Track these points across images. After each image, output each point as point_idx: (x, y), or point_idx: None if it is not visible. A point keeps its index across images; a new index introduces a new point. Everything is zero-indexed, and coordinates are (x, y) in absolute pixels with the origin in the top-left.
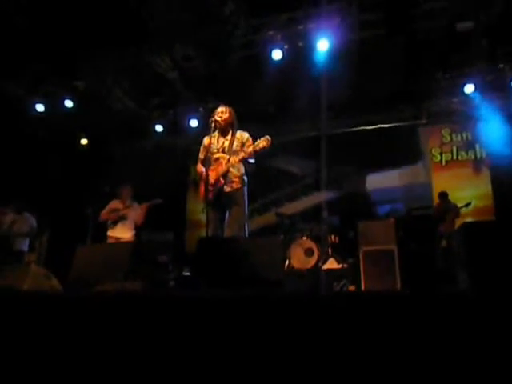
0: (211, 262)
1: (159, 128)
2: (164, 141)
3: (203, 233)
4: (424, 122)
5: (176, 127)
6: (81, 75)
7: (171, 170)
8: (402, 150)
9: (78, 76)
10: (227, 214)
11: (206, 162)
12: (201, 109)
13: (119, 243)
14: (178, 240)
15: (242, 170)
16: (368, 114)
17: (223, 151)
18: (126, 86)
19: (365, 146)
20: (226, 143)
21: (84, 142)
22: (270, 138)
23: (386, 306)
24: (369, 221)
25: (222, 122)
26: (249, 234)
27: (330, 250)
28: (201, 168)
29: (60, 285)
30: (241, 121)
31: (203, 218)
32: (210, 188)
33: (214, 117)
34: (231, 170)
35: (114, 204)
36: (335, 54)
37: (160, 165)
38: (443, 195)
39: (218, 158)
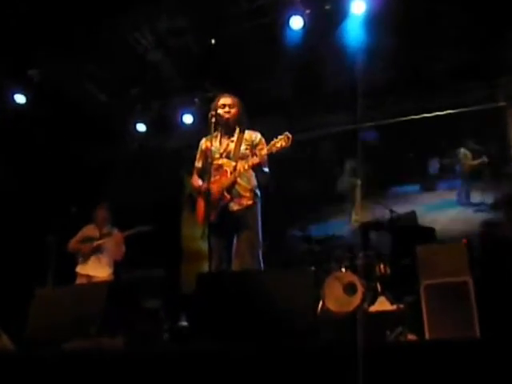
0: (216, 306)
1: (141, 127)
2: (148, 144)
3: (204, 267)
4: (503, 103)
5: (164, 126)
6: (36, 62)
7: (159, 184)
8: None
9: (31, 63)
10: (235, 241)
11: (206, 172)
12: (196, 100)
13: (92, 284)
14: (170, 278)
15: (254, 180)
16: (421, 98)
17: (228, 156)
18: (96, 73)
19: (420, 140)
20: (232, 146)
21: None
22: (290, 136)
23: (461, 361)
24: (431, 244)
25: (225, 118)
26: (266, 266)
27: (378, 286)
28: (198, 180)
29: (12, 343)
30: (251, 115)
31: (204, 246)
32: (212, 206)
33: (214, 111)
34: (239, 181)
35: (87, 231)
36: (374, 20)
37: (144, 177)
38: None
39: (221, 166)
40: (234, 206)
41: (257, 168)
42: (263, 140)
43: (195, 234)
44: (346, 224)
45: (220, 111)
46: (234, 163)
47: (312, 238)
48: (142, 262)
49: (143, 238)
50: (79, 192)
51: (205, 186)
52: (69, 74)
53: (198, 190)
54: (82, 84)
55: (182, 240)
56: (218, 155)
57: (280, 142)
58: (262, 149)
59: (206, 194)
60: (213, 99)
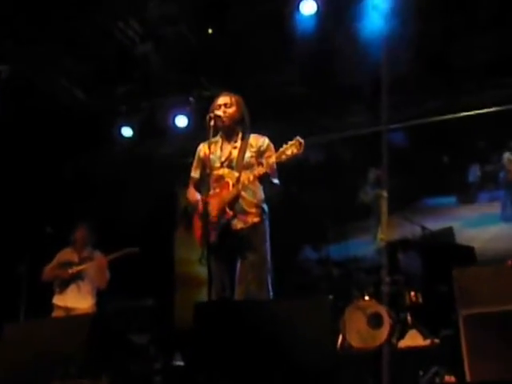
0: (217, 342)
1: (127, 131)
2: (136, 152)
3: (203, 295)
4: None
5: (154, 130)
6: (3, 56)
7: (149, 198)
8: None
9: None
10: (239, 264)
11: (204, 184)
12: (192, 99)
13: (72, 317)
14: (163, 308)
15: (261, 193)
16: (458, 94)
17: (230, 165)
18: (74, 69)
19: (457, 143)
20: (234, 153)
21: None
22: (302, 141)
23: None
24: (471, 266)
25: (226, 120)
26: (275, 295)
27: (409, 317)
28: (195, 193)
29: None
30: (256, 117)
31: (202, 271)
32: (212, 224)
33: (213, 112)
34: (243, 194)
35: (65, 255)
36: (400, 2)
37: (131, 190)
38: None
39: (221, 177)
40: (238, 224)
41: (264, 179)
42: (271, 146)
43: (192, 257)
44: (369, 243)
45: (219, 112)
46: (237, 174)
47: (330, 260)
48: (130, 290)
49: (131, 262)
50: (54, 209)
51: (203, 200)
52: (42, 69)
53: (195, 205)
54: (58, 82)
55: (177, 264)
56: (218, 164)
57: (291, 148)
58: (270, 156)
59: (205, 209)
60: (211, 98)
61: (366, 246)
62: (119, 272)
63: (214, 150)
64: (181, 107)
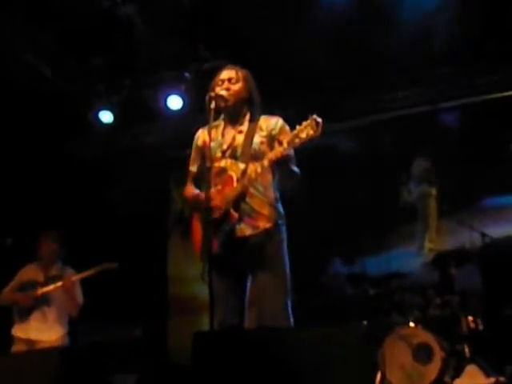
0: (222, 380)
1: (107, 117)
2: (118, 142)
3: (203, 322)
4: None
5: (140, 113)
6: None
7: (134, 200)
8: None
9: None
10: (250, 283)
11: (203, 179)
12: (187, 75)
13: (35, 352)
14: (152, 339)
15: (274, 190)
16: None
17: (233, 155)
18: (39, 37)
19: None
20: (239, 138)
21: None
22: (319, 120)
23: None
24: None
25: (230, 99)
26: (296, 321)
27: (466, 348)
28: (194, 189)
29: None
30: (269, 96)
31: (202, 292)
32: (214, 230)
33: (214, 90)
34: (252, 191)
35: (28, 272)
36: None
37: (112, 190)
38: None
39: (223, 170)
40: (246, 230)
41: (279, 168)
42: (287, 128)
43: (189, 273)
44: (415, 255)
45: (221, 90)
46: (242, 165)
47: (365, 277)
48: (111, 316)
49: (111, 281)
50: (16, 215)
51: (203, 199)
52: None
53: (195, 205)
54: (18, 54)
55: (170, 282)
56: (219, 154)
57: (306, 130)
58: (284, 141)
59: (206, 211)
60: (212, 73)
61: (411, 258)
62: (97, 294)
63: (215, 137)
64: (174, 85)
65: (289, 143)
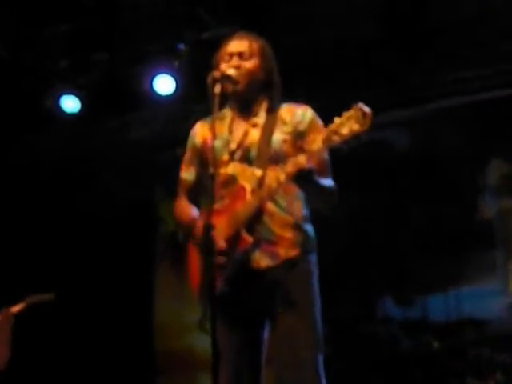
0: None
1: (71, 103)
2: (87, 137)
3: None
4: None
5: (117, 101)
6: None
7: (107, 216)
8: None
9: None
10: (267, 332)
11: (203, 190)
12: (181, 47)
13: None
14: None
15: (302, 206)
16: None
17: (246, 157)
18: None
19: None
20: (255, 135)
21: None
22: (367, 110)
23: None
24: None
25: (241, 81)
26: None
27: None
28: (188, 207)
29: None
30: (294, 76)
31: (201, 345)
32: (219, 262)
33: (218, 68)
34: (271, 207)
35: None
36: None
37: (78, 200)
38: None
39: (232, 178)
40: (263, 261)
41: (306, 179)
42: (319, 121)
43: (182, 320)
44: (495, 294)
45: (228, 68)
46: (259, 171)
47: (426, 323)
48: (67, 375)
49: (72, 330)
50: None
51: (203, 220)
52: None
53: (189, 229)
54: None
55: (157, 331)
56: (226, 155)
57: (348, 123)
58: (315, 139)
59: (206, 236)
60: (215, 43)
61: (490, 298)
62: (37, 339)
63: (220, 132)
64: (163, 61)
65: (325, 140)
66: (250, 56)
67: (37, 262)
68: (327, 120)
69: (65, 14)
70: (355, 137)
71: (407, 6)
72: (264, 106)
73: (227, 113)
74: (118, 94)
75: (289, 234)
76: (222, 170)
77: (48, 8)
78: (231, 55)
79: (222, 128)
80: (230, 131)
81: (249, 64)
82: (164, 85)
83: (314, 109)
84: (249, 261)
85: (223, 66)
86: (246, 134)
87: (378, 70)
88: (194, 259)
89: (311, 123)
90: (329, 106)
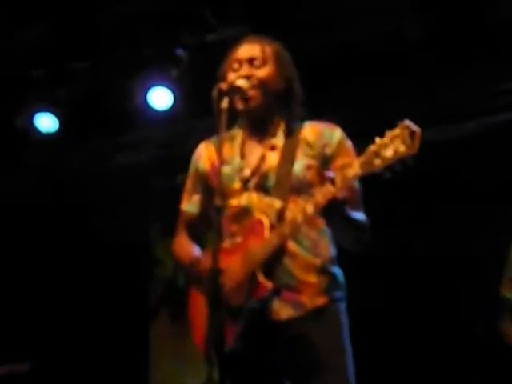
0: None
1: (47, 121)
2: (64, 161)
3: None
4: None
5: (101, 117)
6: None
7: (92, 259)
8: None
9: None
10: None
11: (208, 226)
12: (180, 52)
13: None
14: None
15: (329, 242)
16: None
17: (262, 185)
18: None
19: None
20: (273, 159)
21: None
22: (416, 129)
23: None
24: None
25: (253, 94)
26: None
27: None
28: (190, 247)
29: None
30: (318, 86)
31: None
32: (229, 312)
33: (226, 78)
34: (294, 245)
35: None
36: None
37: (56, 240)
38: None
39: (246, 211)
40: (284, 311)
41: (339, 212)
42: (349, 144)
43: (184, 382)
44: None
45: (236, 79)
46: (278, 202)
47: None
48: None
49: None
50: None
51: (208, 260)
52: None
53: (191, 271)
54: None
55: None
56: (238, 184)
57: (392, 145)
58: (347, 165)
59: (213, 281)
60: (221, 49)
61: None
62: None
63: (229, 156)
64: (159, 71)
65: (363, 167)
66: (264, 63)
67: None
68: (362, 142)
69: (38, 12)
70: (401, 161)
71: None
72: (283, 124)
73: (237, 132)
74: (103, 111)
75: (314, 279)
76: (233, 201)
77: (18, 6)
78: (240, 62)
79: (232, 151)
80: (242, 155)
81: (262, 72)
82: (160, 98)
83: (344, 128)
84: (267, 311)
85: (231, 76)
86: (262, 158)
87: (417, 78)
88: (199, 309)
89: (340, 146)
90: (364, 123)
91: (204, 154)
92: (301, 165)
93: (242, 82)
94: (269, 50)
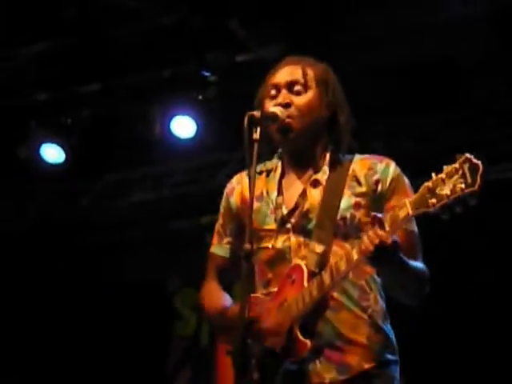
0: None
1: (52, 152)
2: (73, 197)
3: None
4: None
5: (116, 148)
6: None
7: (104, 310)
8: None
9: None
10: None
11: (239, 272)
12: (208, 75)
13: None
14: None
15: (380, 295)
16: None
17: (303, 227)
18: None
19: None
20: (315, 196)
21: None
22: (478, 163)
23: None
24: None
25: (292, 124)
26: None
27: None
28: (218, 297)
29: None
30: (371, 113)
31: None
32: (263, 372)
33: (261, 105)
34: (339, 296)
35: None
36: None
37: (62, 286)
38: None
39: (283, 255)
40: (327, 373)
41: (390, 259)
42: (405, 180)
43: None
44: None
45: (273, 107)
46: (320, 247)
47: None
48: None
49: None
50: None
51: (238, 313)
52: None
53: (221, 326)
54: None
55: None
56: (273, 223)
57: (452, 180)
58: (401, 205)
59: (243, 336)
60: (255, 71)
61: None
62: None
63: (265, 191)
64: (182, 97)
65: (415, 207)
66: (306, 88)
67: None
68: (417, 177)
69: (42, 30)
70: (460, 200)
71: None
72: (327, 157)
73: (276, 164)
74: (116, 141)
75: (362, 338)
76: (268, 244)
77: (20, 23)
78: (278, 88)
79: (268, 185)
80: (280, 190)
81: (303, 99)
82: (183, 127)
83: (399, 162)
84: (306, 374)
85: (268, 104)
86: (303, 194)
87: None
88: (225, 372)
89: (395, 182)
90: (420, 155)
91: (237, 189)
92: (348, 203)
93: (277, 110)
94: (311, 72)
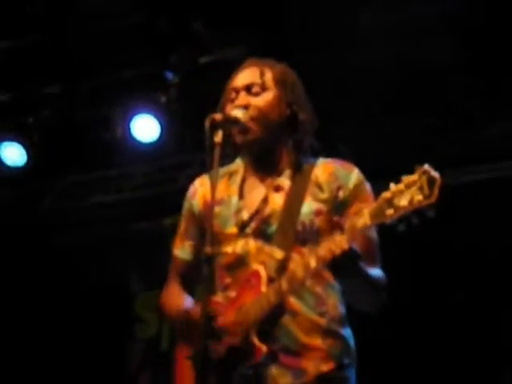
0: None
1: (15, 155)
2: (33, 199)
3: None
4: None
5: (76, 150)
6: None
7: (64, 313)
8: None
9: None
10: None
11: (200, 276)
12: (170, 75)
13: None
14: None
15: (338, 300)
16: None
17: (263, 232)
18: None
19: None
20: (276, 201)
21: None
22: (435, 174)
23: None
24: None
25: (252, 126)
26: None
27: None
28: (178, 299)
29: None
30: (327, 116)
31: None
32: (220, 376)
33: (222, 107)
34: (296, 302)
35: None
36: None
37: (24, 291)
38: None
39: (241, 261)
40: (283, 378)
41: (349, 266)
42: (367, 186)
43: None
44: None
45: (233, 109)
46: (280, 253)
47: None
48: None
49: None
50: None
51: (197, 315)
52: None
53: (181, 328)
54: None
55: None
56: (233, 228)
57: (409, 191)
58: (361, 212)
59: (202, 338)
60: (218, 73)
61: None
62: None
63: (225, 195)
64: (144, 97)
65: (373, 215)
66: (263, 89)
67: None
68: (379, 185)
69: (3, 29)
70: (417, 212)
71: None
72: (288, 160)
73: (238, 167)
74: (78, 142)
75: (319, 342)
76: (228, 248)
77: None
78: (237, 91)
79: (230, 189)
80: (241, 194)
81: (261, 100)
82: (144, 129)
83: (362, 168)
84: (262, 378)
85: (228, 108)
86: (264, 199)
87: (453, 109)
88: (184, 374)
89: (357, 189)
90: (380, 162)
91: (199, 191)
92: (309, 209)
93: (237, 113)
94: (269, 73)
